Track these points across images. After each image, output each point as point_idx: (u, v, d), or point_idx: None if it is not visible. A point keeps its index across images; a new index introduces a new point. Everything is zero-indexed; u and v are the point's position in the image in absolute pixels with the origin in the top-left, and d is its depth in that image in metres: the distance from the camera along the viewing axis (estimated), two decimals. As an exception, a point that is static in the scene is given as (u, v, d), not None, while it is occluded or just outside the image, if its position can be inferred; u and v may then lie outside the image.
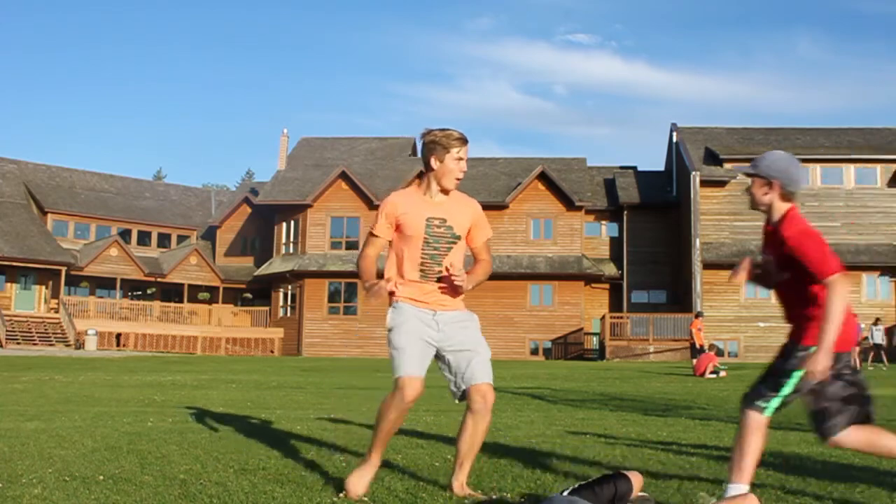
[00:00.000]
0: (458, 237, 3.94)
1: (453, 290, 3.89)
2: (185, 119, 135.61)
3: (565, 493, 3.41)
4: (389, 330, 3.89)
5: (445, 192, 3.95)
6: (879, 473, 4.41)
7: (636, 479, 3.61)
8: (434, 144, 3.92)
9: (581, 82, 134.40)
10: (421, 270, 3.90)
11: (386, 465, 4.70)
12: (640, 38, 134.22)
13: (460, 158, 3.91)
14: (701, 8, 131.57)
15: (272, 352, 38.89)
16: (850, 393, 3.47)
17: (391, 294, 3.90)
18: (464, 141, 3.94)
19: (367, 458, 3.92)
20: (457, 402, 3.97)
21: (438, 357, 3.93)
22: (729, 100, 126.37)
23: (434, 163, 3.91)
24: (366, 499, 3.72)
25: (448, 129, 3.95)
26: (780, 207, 3.57)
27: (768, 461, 4.82)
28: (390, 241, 3.98)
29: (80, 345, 35.15)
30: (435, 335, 3.86)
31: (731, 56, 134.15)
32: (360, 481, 3.84)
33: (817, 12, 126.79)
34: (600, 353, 35.91)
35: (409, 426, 7.16)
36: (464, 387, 3.87)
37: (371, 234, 3.98)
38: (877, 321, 28.19)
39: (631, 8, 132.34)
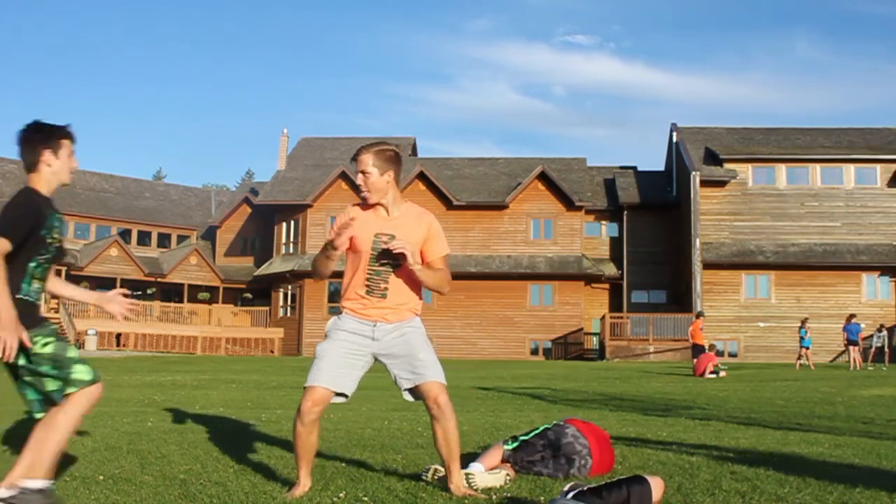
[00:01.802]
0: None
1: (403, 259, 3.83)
2: (185, 119, 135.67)
3: (570, 496, 3.15)
4: (325, 335, 3.99)
5: (380, 207, 3.96)
6: (879, 473, 4.41)
7: (657, 485, 3.32)
8: None
9: (580, 83, 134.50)
10: (367, 286, 3.93)
11: (386, 465, 4.70)
12: (639, 39, 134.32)
13: (356, 173, 3.97)
14: (698, 9, 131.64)
15: (272, 352, 38.89)
16: None
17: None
18: (354, 156, 3.98)
19: (297, 479, 3.94)
20: (409, 399, 4.00)
21: (379, 360, 3.99)
22: (728, 101, 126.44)
23: None
24: (366, 499, 3.72)
25: None
26: None
27: (768, 461, 4.82)
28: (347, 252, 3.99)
29: (80, 345, 35.15)
30: (370, 344, 3.91)
31: (730, 57, 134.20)
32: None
33: (815, 13, 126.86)
34: (600, 353, 35.91)
35: (409, 426, 7.16)
36: (405, 385, 3.92)
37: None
38: (881, 328, 28.36)
39: (629, 9, 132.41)
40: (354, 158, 3.95)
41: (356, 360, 3.91)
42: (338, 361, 3.87)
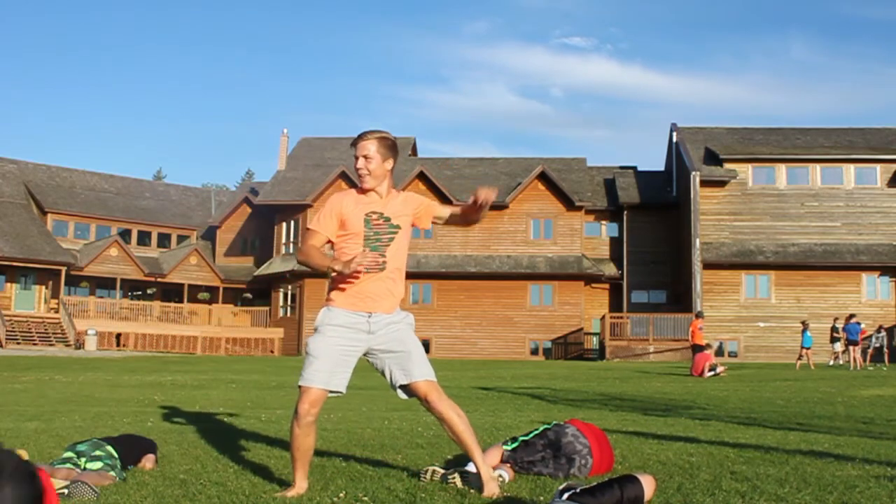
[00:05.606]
0: (398, 227, 3.97)
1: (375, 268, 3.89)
2: (185, 119, 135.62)
3: (564, 497, 3.13)
4: (315, 329, 3.93)
5: (372, 192, 3.99)
6: (879, 474, 4.40)
7: (648, 483, 3.35)
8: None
9: (578, 85, 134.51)
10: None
11: (386, 465, 4.70)
12: (636, 41, 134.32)
13: (355, 157, 3.98)
14: (695, 11, 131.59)
15: (272, 352, 38.89)
16: None
17: (335, 282, 3.93)
18: (353, 142, 3.99)
19: (293, 481, 3.93)
20: (403, 398, 4.02)
21: (368, 355, 3.97)
22: (725, 102, 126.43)
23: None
24: (366, 499, 3.72)
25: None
26: None
27: (768, 461, 4.82)
28: (332, 243, 4.02)
29: (80, 345, 35.15)
30: (365, 339, 3.89)
31: (726, 59, 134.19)
32: None
33: (810, 15, 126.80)
34: (600, 353, 35.91)
35: (408, 426, 7.16)
36: (399, 382, 3.94)
37: (310, 230, 4.02)
38: (880, 328, 28.38)
39: (626, 11, 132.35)
40: (355, 143, 3.97)
41: (351, 357, 3.90)
42: (334, 360, 3.85)
